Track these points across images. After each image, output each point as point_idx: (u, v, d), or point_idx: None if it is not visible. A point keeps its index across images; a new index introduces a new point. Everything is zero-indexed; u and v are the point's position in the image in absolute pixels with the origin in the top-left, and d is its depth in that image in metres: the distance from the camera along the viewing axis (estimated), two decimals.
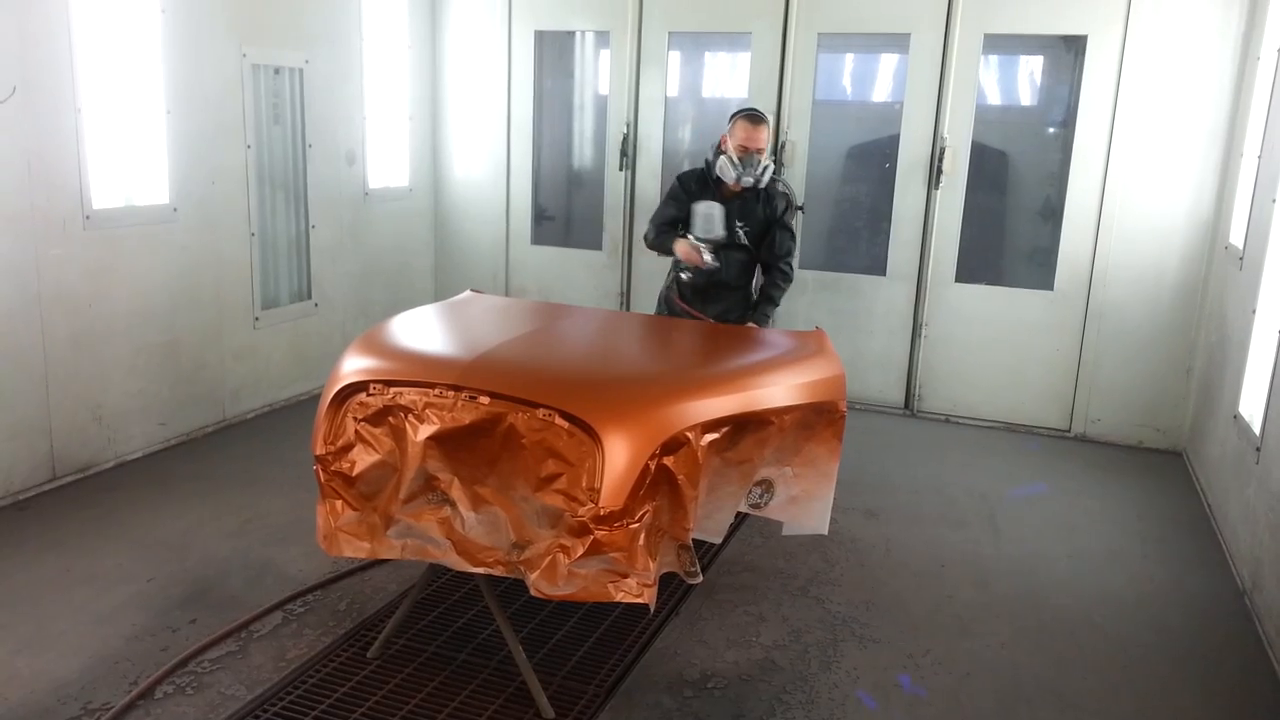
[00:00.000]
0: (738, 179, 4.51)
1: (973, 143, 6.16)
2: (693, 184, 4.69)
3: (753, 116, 4.54)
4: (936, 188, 6.21)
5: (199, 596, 3.79)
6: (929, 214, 6.28)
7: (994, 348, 6.29)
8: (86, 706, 3.09)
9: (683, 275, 4.78)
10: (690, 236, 4.58)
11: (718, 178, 4.60)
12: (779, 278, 4.68)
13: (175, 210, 5.25)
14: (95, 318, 4.87)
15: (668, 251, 4.72)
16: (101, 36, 4.82)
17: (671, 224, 4.72)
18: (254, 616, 3.63)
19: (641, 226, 6.92)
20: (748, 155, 4.48)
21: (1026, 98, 6.78)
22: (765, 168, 4.53)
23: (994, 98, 6.63)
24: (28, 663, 3.30)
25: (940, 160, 6.16)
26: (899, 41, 6.36)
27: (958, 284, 6.31)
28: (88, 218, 4.77)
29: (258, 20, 5.64)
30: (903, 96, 6.30)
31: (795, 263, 4.76)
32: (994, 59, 6.54)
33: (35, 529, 4.30)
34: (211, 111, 5.40)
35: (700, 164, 4.80)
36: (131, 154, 5.09)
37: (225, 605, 3.72)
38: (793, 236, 4.75)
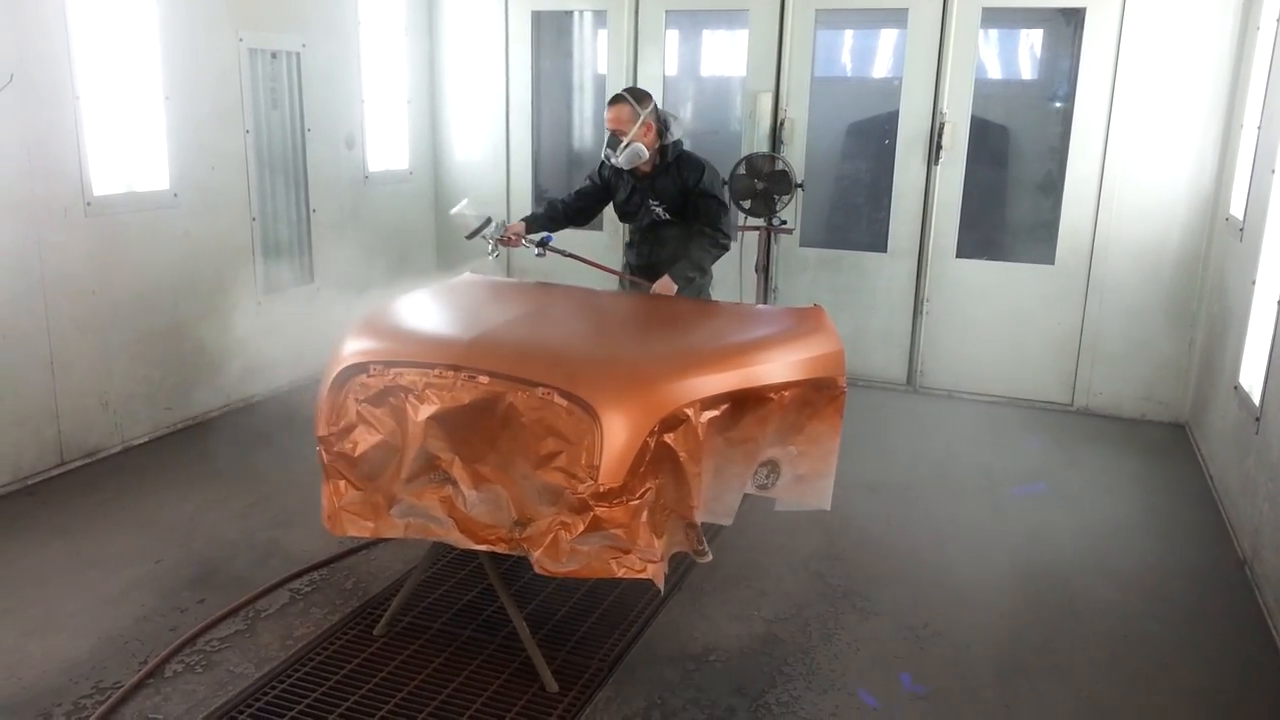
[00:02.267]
0: (607, 158, 4.58)
1: (972, 117, 6.14)
2: (607, 166, 4.71)
3: (612, 98, 4.53)
4: (936, 163, 6.20)
5: (206, 577, 3.83)
6: (929, 190, 6.27)
7: (995, 322, 6.29)
8: (98, 685, 3.13)
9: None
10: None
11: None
12: (706, 242, 4.59)
13: (176, 196, 5.27)
14: (99, 304, 4.89)
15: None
16: (98, 22, 4.82)
17: (577, 199, 4.88)
18: (260, 593, 3.68)
19: None
20: (612, 135, 4.50)
21: (1026, 71, 6.75)
22: (627, 147, 4.46)
23: (994, 72, 6.61)
24: (39, 644, 3.35)
25: (940, 135, 6.14)
26: (897, 16, 6.33)
27: (959, 259, 6.31)
28: (89, 204, 4.79)
29: (254, 4, 5.64)
30: (902, 72, 6.27)
31: (729, 228, 4.73)
32: (993, 33, 6.51)
33: (44, 513, 4.35)
34: (210, 97, 5.41)
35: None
36: (131, 140, 5.10)
37: (232, 585, 3.76)
38: (720, 203, 4.65)
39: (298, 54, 5.97)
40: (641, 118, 4.46)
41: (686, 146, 4.69)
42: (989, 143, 6.36)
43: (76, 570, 3.87)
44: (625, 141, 4.45)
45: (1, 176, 4.38)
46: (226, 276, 5.65)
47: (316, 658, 3.30)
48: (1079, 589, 3.95)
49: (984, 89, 6.27)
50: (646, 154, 4.49)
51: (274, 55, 5.86)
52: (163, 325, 5.27)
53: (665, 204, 4.65)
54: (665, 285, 4.46)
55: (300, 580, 3.82)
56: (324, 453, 3.20)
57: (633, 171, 4.60)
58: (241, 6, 5.54)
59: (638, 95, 4.54)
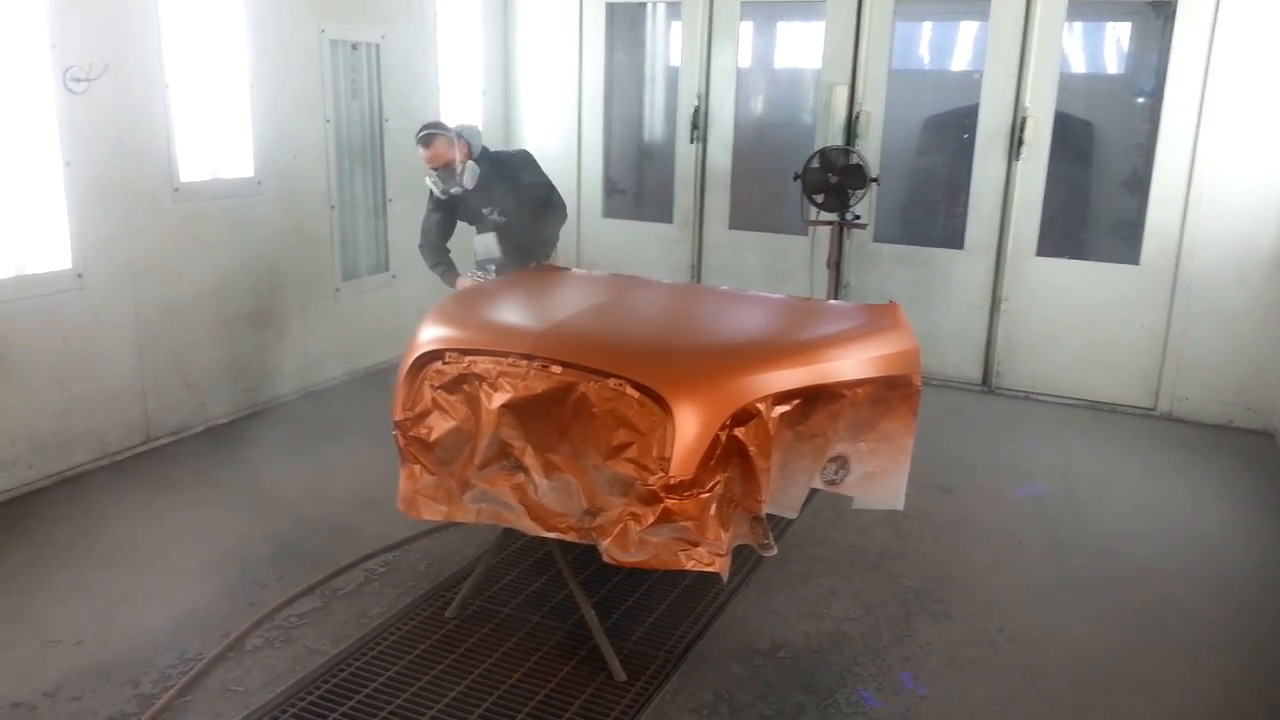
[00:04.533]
0: (445, 192, 4.74)
1: (1056, 112, 5.97)
2: (441, 195, 4.83)
3: (422, 140, 4.67)
4: (1017, 159, 6.05)
5: (285, 555, 3.93)
6: (1009, 186, 6.12)
7: (1076, 323, 6.12)
8: (182, 655, 3.24)
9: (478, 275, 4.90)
10: (472, 273, 4.85)
11: None
12: (551, 224, 4.89)
13: (259, 183, 5.40)
14: (184, 287, 5.04)
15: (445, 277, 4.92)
16: (188, 14, 4.96)
17: (442, 233, 4.94)
18: (336, 572, 3.77)
19: (713, 198, 6.95)
20: (440, 171, 4.68)
21: (1112, 65, 6.56)
22: (464, 170, 4.67)
23: (1078, 66, 6.43)
24: (127, 615, 3.48)
25: (1022, 130, 5.99)
26: (978, 8, 6.19)
27: (1039, 257, 6.15)
28: (176, 190, 4.94)
29: None
30: (982, 65, 6.14)
31: (559, 200, 4.94)
32: (1078, 25, 6.33)
33: (131, 489, 4.51)
34: (292, 87, 5.53)
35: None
36: (217, 129, 5.24)
37: (310, 563, 3.85)
38: (545, 185, 4.88)
39: (377, 45, 6.07)
40: (455, 142, 4.67)
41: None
42: (1072, 138, 6.19)
43: (162, 544, 4.00)
44: (459, 167, 4.66)
45: (96, 162, 4.54)
46: (305, 263, 5.78)
47: (390, 637, 3.37)
48: (1159, 597, 3.83)
49: (1068, 83, 6.10)
50: (477, 168, 4.72)
51: (355, 46, 5.96)
52: (244, 309, 5.42)
53: (498, 207, 4.82)
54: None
55: (375, 561, 3.90)
56: (400, 437, 3.26)
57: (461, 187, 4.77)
58: None
59: (440, 125, 4.77)
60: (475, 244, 4.87)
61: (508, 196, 4.81)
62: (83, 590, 3.63)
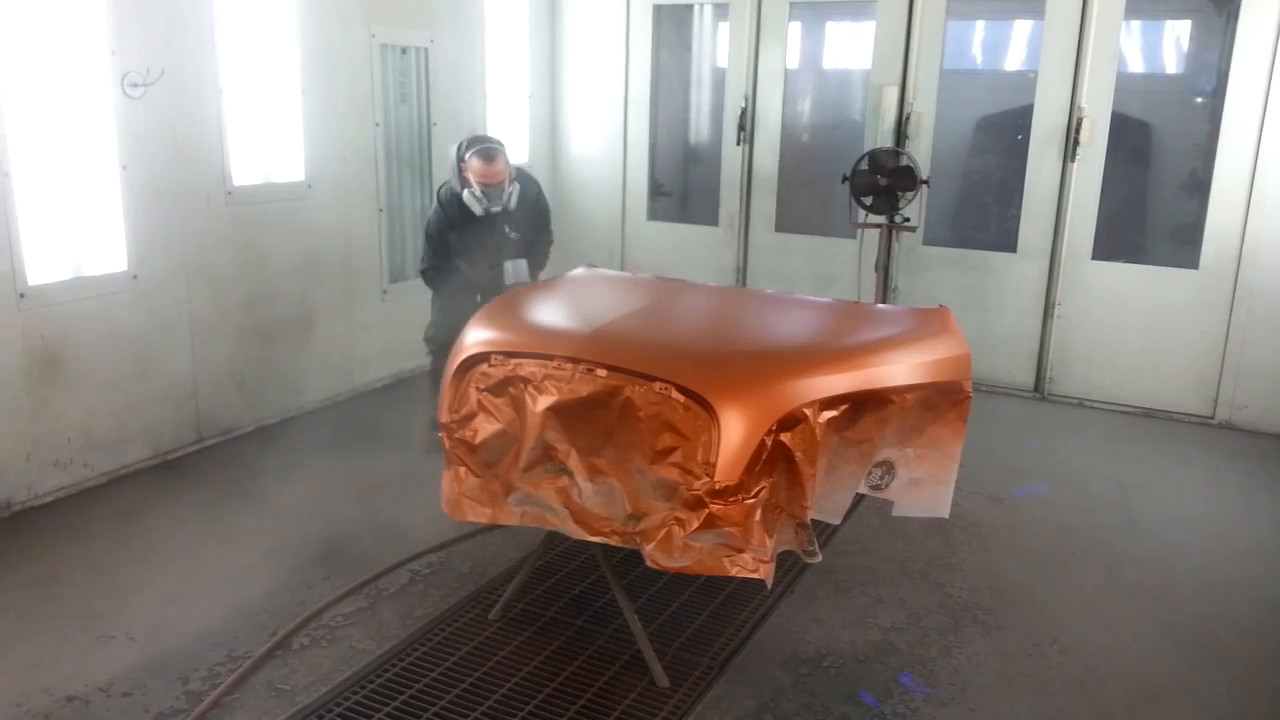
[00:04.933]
0: (485, 210, 4.68)
1: (1112, 113, 5.84)
2: (455, 206, 4.73)
3: (486, 154, 4.63)
4: (1073, 160, 5.93)
5: (331, 555, 3.97)
6: (1064, 188, 5.99)
7: (1133, 329, 5.98)
8: (230, 653, 3.28)
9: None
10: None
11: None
12: (546, 249, 5.07)
13: (310, 187, 5.47)
14: (236, 288, 5.12)
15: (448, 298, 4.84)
16: (241, 20, 5.04)
17: (451, 254, 4.80)
18: (381, 573, 3.80)
19: (759, 201, 6.91)
20: (490, 188, 4.64)
21: (1171, 65, 6.40)
22: (510, 193, 4.70)
23: (1136, 65, 6.28)
24: (177, 611, 3.54)
25: (1077, 131, 5.86)
26: (1033, 7, 6.08)
27: (1094, 261, 6.02)
28: (229, 194, 5.02)
29: (387, 1, 5.80)
30: (1037, 65, 6.02)
31: (551, 226, 5.17)
32: (1136, 24, 6.18)
33: (182, 488, 4.59)
34: (343, 91, 5.59)
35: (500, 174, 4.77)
36: (269, 133, 5.31)
37: (356, 563, 3.88)
38: (549, 211, 5.10)
39: (426, 49, 6.12)
40: (509, 161, 4.70)
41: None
42: (1130, 139, 6.04)
43: (212, 543, 4.06)
44: (508, 188, 4.69)
45: (152, 165, 4.63)
46: (354, 266, 5.84)
47: (435, 638, 3.38)
48: (1217, 612, 3.72)
49: (1125, 83, 5.95)
50: (518, 188, 4.76)
51: (404, 51, 6.02)
52: (294, 311, 5.49)
53: (515, 225, 4.83)
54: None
55: (420, 562, 3.92)
56: (446, 439, 3.28)
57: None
58: (375, 3, 5.70)
59: (497, 140, 4.77)
60: (505, 268, 4.82)
61: (525, 219, 4.82)
62: (135, 587, 3.70)
